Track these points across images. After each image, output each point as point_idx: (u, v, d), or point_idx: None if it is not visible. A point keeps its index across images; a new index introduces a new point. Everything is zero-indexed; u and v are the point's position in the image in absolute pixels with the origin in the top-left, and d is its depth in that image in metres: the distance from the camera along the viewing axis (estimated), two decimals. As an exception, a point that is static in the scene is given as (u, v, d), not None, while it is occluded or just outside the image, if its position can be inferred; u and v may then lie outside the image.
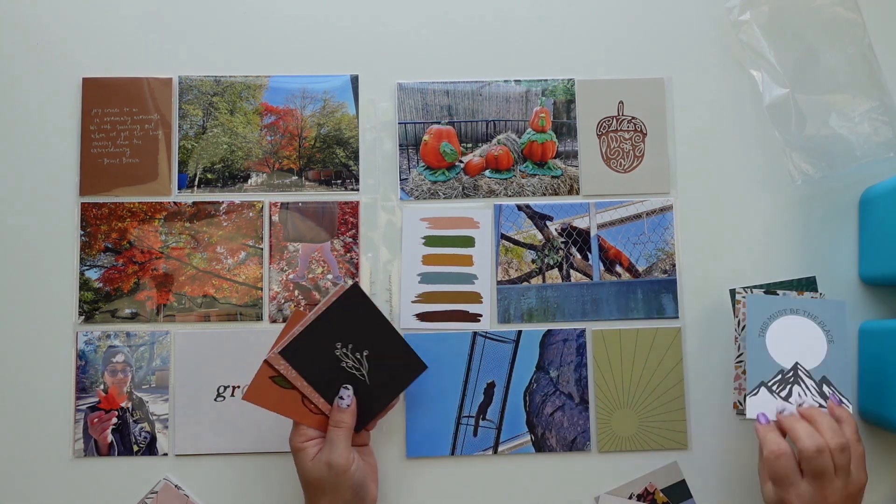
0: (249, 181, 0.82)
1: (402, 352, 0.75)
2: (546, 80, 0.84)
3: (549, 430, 0.81)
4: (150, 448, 0.79)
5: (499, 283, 0.82)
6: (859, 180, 0.82)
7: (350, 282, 0.76)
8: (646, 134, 0.84)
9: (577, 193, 0.83)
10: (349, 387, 0.73)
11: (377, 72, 0.84)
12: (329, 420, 0.72)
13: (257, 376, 0.71)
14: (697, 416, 0.81)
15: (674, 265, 0.82)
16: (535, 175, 0.83)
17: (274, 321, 0.81)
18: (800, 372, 0.77)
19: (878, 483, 0.81)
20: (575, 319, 0.82)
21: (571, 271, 0.82)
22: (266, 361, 0.71)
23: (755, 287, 0.79)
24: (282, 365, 0.71)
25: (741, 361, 0.78)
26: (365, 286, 0.81)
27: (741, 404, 0.78)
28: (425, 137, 0.83)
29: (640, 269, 0.82)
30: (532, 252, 0.83)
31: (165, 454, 0.79)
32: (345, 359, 0.73)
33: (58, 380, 0.80)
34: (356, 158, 0.83)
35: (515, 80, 0.84)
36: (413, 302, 0.81)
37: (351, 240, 0.82)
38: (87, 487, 0.79)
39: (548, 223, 0.83)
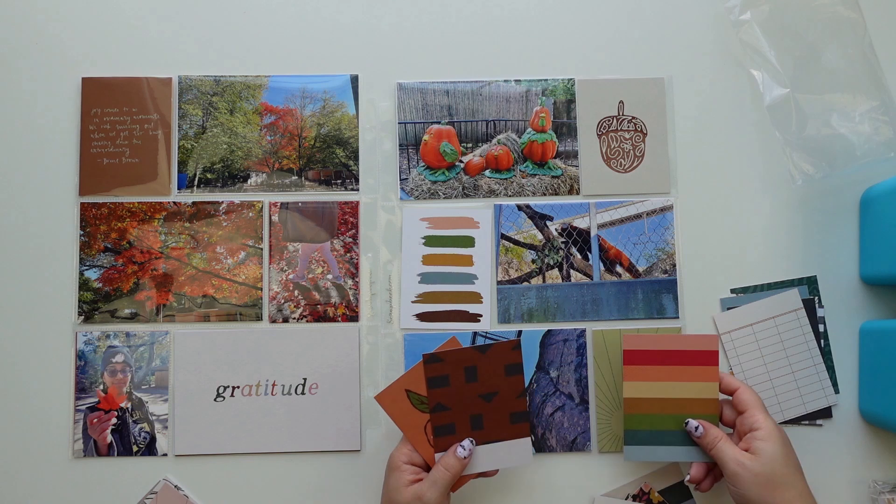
0: (249, 181, 0.82)
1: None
2: (546, 80, 0.84)
3: (549, 431, 0.80)
4: (150, 448, 0.79)
5: (499, 283, 0.82)
6: (860, 180, 0.82)
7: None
8: (646, 134, 0.84)
9: (578, 193, 0.83)
10: (473, 441, 0.73)
11: (377, 72, 0.84)
12: (441, 460, 0.72)
13: (398, 381, 0.73)
14: (698, 416, 0.81)
15: (674, 265, 0.82)
16: (535, 175, 0.83)
17: (274, 321, 0.81)
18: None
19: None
20: (575, 319, 0.82)
21: (571, 271, 0.82)
22: (424, 359, 0.72)
23: (753, 287, 0.81)
24: (429, 368, 0.72)
25: None
26: (365, 286, 0.81)
27: None
28: (425, 137, 0.83)
29: (641, 269, 0.82)
30: (532, 252, 0.82)
31: (165, 454, 0.79)
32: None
33: (57, 380, 0.80)
34: (356, 158, 0.83)
35: (515, 80, 0.84)
36: (413, 302, 0.81)
37: (351, 240, 0.82)
38: (87, 488, 0.79)
39: (548, 223, 0.83)
